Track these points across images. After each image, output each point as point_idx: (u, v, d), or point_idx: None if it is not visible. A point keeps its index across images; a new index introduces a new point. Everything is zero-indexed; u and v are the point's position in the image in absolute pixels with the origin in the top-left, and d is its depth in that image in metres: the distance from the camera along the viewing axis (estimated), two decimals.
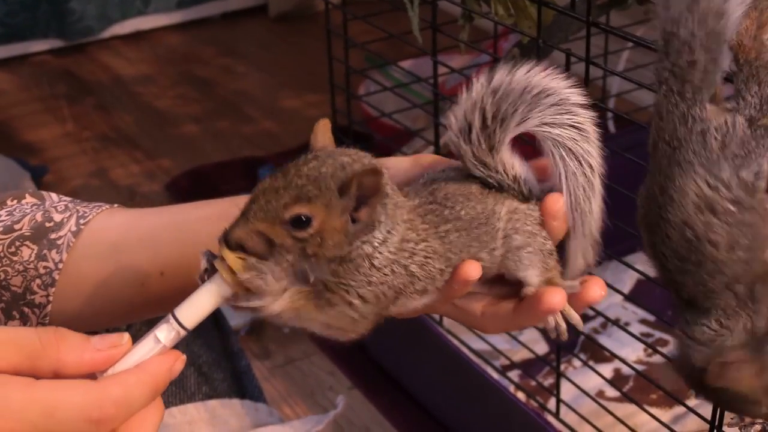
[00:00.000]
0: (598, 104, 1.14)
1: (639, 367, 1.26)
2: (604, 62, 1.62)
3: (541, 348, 1.58)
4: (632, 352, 1.54)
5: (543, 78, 0.66)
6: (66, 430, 0.54)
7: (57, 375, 0.56)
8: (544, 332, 1.57)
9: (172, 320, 0.61)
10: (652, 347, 1.22)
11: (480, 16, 1.22)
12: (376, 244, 0.62)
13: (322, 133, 0.65)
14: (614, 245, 1.60)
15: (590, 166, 0.67)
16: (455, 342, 1.48)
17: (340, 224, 0.61)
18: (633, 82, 1.10)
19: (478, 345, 1.50)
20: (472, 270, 0.64)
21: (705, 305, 0.74)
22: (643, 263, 1.74)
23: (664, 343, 1.55)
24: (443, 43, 1.35)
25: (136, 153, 2.34)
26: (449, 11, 1.38)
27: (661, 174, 0.74)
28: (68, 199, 0.81)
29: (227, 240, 0.61)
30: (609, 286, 1.29)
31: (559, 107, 0.66)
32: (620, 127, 1.99)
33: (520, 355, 1.55)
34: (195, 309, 0.62)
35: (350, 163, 0.61)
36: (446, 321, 1.54)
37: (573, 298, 0.69)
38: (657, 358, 1.49)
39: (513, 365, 1.51)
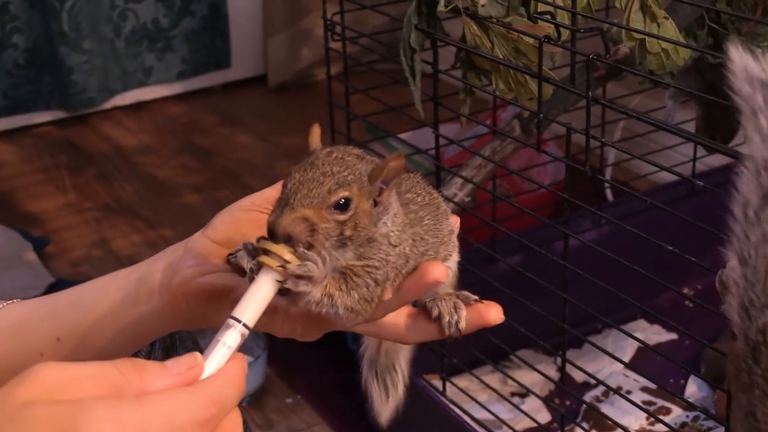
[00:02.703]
0: (597, 175, 1.17)
1: None
2: (601, 132, 1.64)
3: (544, 417, 1.58)
4: (635, 420, 1.54)
5: None
6: None
7: None
8: (546, 401, 1.57)
9: (233, 323, 0.62)
10: (654, 416, 1.22)
11: (481, 90, 1.24)
12: (389, 224, 0.67)
13: (316, 137, 0.70)
14: (614, 314, 1.62)
15: None
16: (458, 411, 1.48)
17: (368, 207, 0.66)
18: (629, 154, 1.12)
19: (481, 414, 1.50)
20: (439, 271, 0.69)
21: None
22: (642, 331, 1.76)
23: (667, 411, 1.55)
24: (444, 114, 1.38)
25: (137, 223, 2.35)
26: (449, 82, 1.41)
27: None
28: None
29: (275, 232, 0.64)
30: (610, 354, 1.31)
31: None
32: (617, 195, 2.01)
33: (523, 424, 1.55)
34: (252, 307, 0.63)
35: (363, 156, 0.67)
36: (449, 391, 1.54)
37: (471, 313, 0.73)
38: (659, 427, 1.49)
39: None
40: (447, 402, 1.51)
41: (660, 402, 1.57)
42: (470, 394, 1.52)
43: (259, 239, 0.66)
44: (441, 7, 1.17)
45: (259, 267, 0.64)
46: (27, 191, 2.51)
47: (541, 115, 1.13)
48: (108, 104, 2.90)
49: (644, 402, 1.56)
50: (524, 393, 1.60)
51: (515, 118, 1.29)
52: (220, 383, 0.58)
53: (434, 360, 1.53)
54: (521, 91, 1.14)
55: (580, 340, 1.59)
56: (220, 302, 0.72)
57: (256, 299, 0.64)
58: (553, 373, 1.59)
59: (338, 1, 1.50)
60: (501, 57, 1.15)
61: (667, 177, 1.98)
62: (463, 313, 0.73)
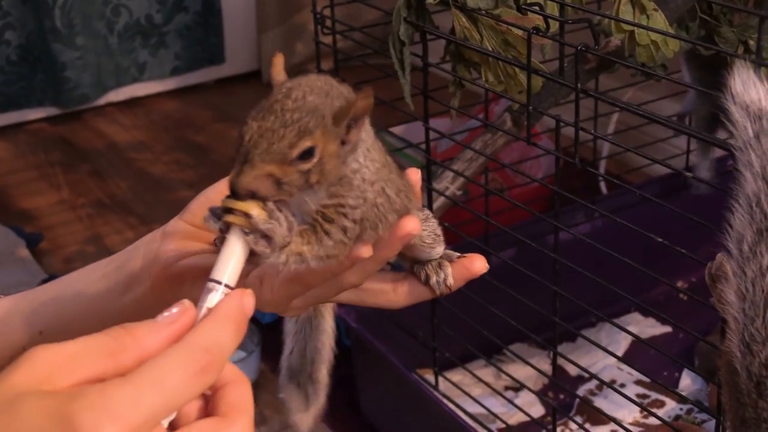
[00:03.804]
0: (587, 168, 1.16)
1: (636, 429, 1.26)
2: (594, 124, 1.63)
3: (537, 411, 1.57)
4: (629, 413, 1.53)
5: None
6: (178, 394, 0.53)
7: (143, 363, 0.55)
8: (540, 395, 1.57)
9: (213, 285, 0.61)
10: (647, 410, 1.21)
11: (471, 83, 1.24)
12: (361, 160, 0.65)
13: (279, 67, 0.66)
14: (609, 307, 1.61)
15: None
16: (451, 406, 1.47)
17: (335, 149, 0.63)
18: (622, 147, 1.11)
19: (474, 409, 1.50)
20: (412, 224, 0.69)
21: None
22: (636, 324, 1.75)
23: (661, 404, 1.54)
24: (435, 108, 1.37)
25: (130, 219, 2.34)
26: (440, 76, 1.40)
27: None
28: None
29: (236, 190, 0.62)
30: (603, 348, 1.30)
31: None
32: (611, 188, 2.00)
33: (516, 418, 1.54)
34: (228, 266, 0.62)
35: (329, 90, 0.64)
36: (442, 385, 1.54)
37: (457, 266, 0.75)
38: (654, 420, 1.49)
39: (509, 429, 1.50)
40: (440, 396, 1.51)
41: (654, 395, 1.57)
42: (463, 388, 1.51)
43: (224, 199, 0.63)
44: (430, 0, 1.16)
45: (228, 226, 0.63)
46: (20, 188, 2.50)
47: (531, 108, 1.12)
48: (101, 100, 2.89)
49: (638, 395, 1.56)
50: (518, 387, 1.59)
51: (506, 111, 1.28)
52: (207, 328, 0.56)
53: (427, 354, 1.52)
54: (511, 83, 1.13)
55: (574, 334, 1.58)
56: (204, 283, 0.70)
57: (231, 258, 0.62)
58: (547, 367, 1.59)
59: None
60: (490, 49, 1.15)
61: (662, 169, 1.97)
62: (449, 269, 0.74)
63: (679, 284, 1.79)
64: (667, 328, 1.72)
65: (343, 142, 0.64)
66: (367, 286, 0.73)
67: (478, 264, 0.74)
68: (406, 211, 0.70)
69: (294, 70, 3.28)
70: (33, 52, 2.77)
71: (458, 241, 1.54)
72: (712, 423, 1.29)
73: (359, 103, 0.62)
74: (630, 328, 1.63)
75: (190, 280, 0.72)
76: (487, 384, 1.50)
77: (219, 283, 0.61)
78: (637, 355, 1.63)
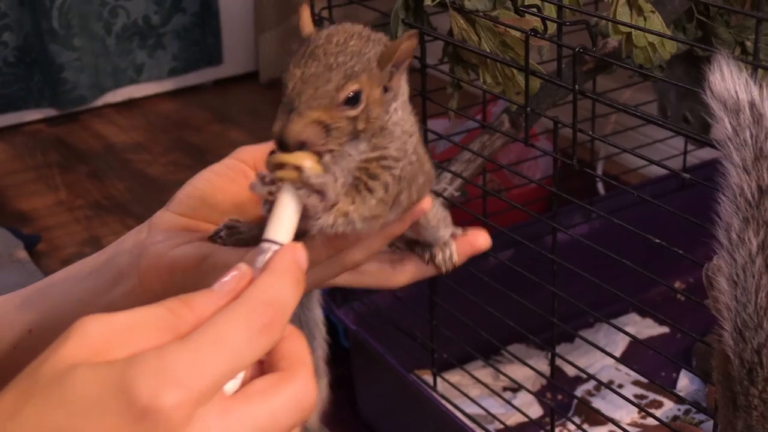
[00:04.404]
0: (585, 169, 1.16)
1: (633, 430, 1.26)
2: (591, 125, 1.64)
3: (535, 411, 1.58)
4: (627, 414, 1.54)
5: None
6: (242, 354, 0.50)
7: None
8: (538, 396, 1.57)
9: (266, 245, 0.57)
10: (645, 410, 1.22)
11: (469, 84, 1.24)
12: (400, 112, 0.63)
13: (307, 18, 0.65)
14: (606, 307, 1.62)
15: None
16: (449, 407, 1.48)
17: (379, 95, 0.61)
18: (619, 148, 1.12)
19: (473, 409, 1.50)
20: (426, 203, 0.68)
21: None
22: (634, 324, 1.75)
23: (659, 404, 1.55)
24: (432, 109, 1.37)
25: (128, 220, 2.34)
26: (438, 77, 1.40)
27: None
28: None
29: (285, 141, 0.58)
30: (600, 349, 1.30)
31: None
32: (609, 188, 2.01)
33: (515, 419, 1.55)
34: (283, 224, 0.58)
35: (369, 34, 0.62)
36: (440, 386, 1.54)
37: (461, 242, 0.74)
38: (652, 420, 1.49)
39: (507, 429, 1.50)
40: (438, 397, 1.51)
41: (652, 395, 1.57)
42: (461, 389, 1.51)
43: (270, 153, 0.60)
44: (428, 2, 1.17)
45: (276, 188, 0.59)
46: (18, 189, 2.50)
47: (529, 109, 1.12)
48: (99, 102, 2.89)
49: (636, 395, 1.56)
50: (516, 388, 1.59)
51: (504, 112, 1.29)
52: (268, 282, 0.53)
53: (425, 355, 1.53)
54: (509, 84, 1.13)
55: (572, 334, 1.58)
56: (198, 271, 0.68)
57: (284, 216, 0.58)
58: (545, 368, 1.59)
59: None
60: (488, 51, 1.15)
61: (659, 170, 1.97)
62: (453, 246, 0.73)
63: (677, 284, 1.80)
64: (665, 329, 1.72)
65: (385, 89, 0.61)
66: (365, 267, 0.71)
67: (481, 239, 0.74)
68: (431, 177, 0.68)
69: None
70: (30, 54, 2.77)
71: None
72: (710, 423, 1.29)
73: (403, 46, 0.60)
74: (628, 329, 1.63)
75: (181, 270, 0.69)
76: (485, 385, 1.50)
77: (274, 242, 0.57)
78: (635, 355, 1.63)
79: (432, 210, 0.71)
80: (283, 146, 0.59)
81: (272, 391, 0.51)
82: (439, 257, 0.73)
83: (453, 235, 0.74)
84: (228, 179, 0.74)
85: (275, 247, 0.56)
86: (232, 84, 3.05)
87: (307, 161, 0.59)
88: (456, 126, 1.95)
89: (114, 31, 2.86)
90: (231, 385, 0.51)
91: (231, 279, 0.54)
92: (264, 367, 0.53)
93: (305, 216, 0.60)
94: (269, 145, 0.73)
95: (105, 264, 0.74)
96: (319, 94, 0.58)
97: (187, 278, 0.69)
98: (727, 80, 0.69)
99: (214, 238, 0.70)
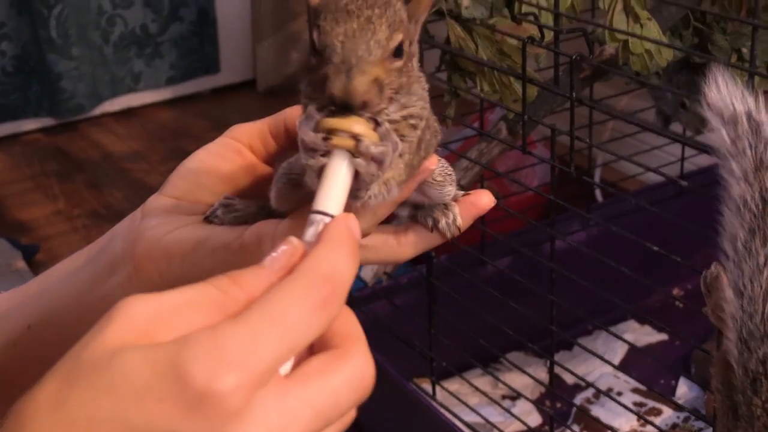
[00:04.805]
0: (584, 177, 1.16)
1: None
2: (589, 132, 1.64)
3: (535, 420, 1.57)
4: (626, 422, 1.53)
5: None
6: (302, 332, 0.47)
7: None
8: (537, 404, 1.57)
9: (316, 217, 0.53)
10: (644, 418, 1.22)
11: (466, 93, 1.24)
12: (417, 65, 0.60)
13: None
14: (605, 314, 1.62)
15: None
16: (448, 415, 1.47)
17: (408, 47, 0.58)
18: (616, 156, 1.12)
19: (472, 418, 1.50)
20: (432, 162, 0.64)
21: None
22: (633, 332, 1.75)
23: (658, 412, 1.54)
24: None
25: None
26: (435, 85, 1.40)
27: None
28: None
29: (351, 101, 0.54)
30: (599, 357, 1.30)
31: None
32: (607, 195, 2.01)
33: (513, 427, 1.54)
34: (334, 194, 0.54)
35: None
36: (439, 394, 1.54)
37: (464, 204, 0.69)
38: (651, 428, 1.49)
39: None
40: (437, 406, 1.51)
41: (651, 403, 1.57)
42: (460, 397, 1.51)
43: (322, 120, 0.56)
44: None
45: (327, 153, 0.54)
46: (16, 199, 2.50)
47: (527, 117, 1.13)
48: (97, 110, 2.89)
49: (635, 403, 1.56)
50: (515, 396, 1.59)
51: (501, 119, 1.29)
52: (324, 254, 0.49)
53: (424, 363, 1.52)
54: (506, 92, 1.13)
55: (570, 342, 1.58)
56: (195, 255, 0.65)
57: (335, 185, 0.54)
58: (544, 376, 1.59)
59: None
60: (485, 59, 1.15)
61: (657, 176, 1.97)
62: (456, 209, 0.69)
63: (676, 291, 1.79)
64: (664, 336, 1.72)
65: (410, 42, 0.58)
66: (367, 241, 0.67)
67: (485, 199, 0.69)
68: (437, 132, 0.64)
69: (290, 79, 3.29)
70: (28, 63, 2.77)
71: (454, 249, 1.54)
72: (709, 431, 1.29)
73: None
74: (626, 336, 1.63)
75: (179, 255, 0.66)
76: (484, 393, 1.50)
77: (324, 214, 0.53)
78: (634, 363, 1.63)
79: (438, 166, 0.67)
80: (346, 107, 0.55)
81: (330, 371, 0.48)
82: (443, 222, 0.68)
83: (455, 198, 0.69)
84: (222, 158, 0.71)
85: (326, 219, 0.53)
86: (230, 92, 3.05)
87: (360, 126, 0.55)
88: (453, 133, 1.95)
89: (112, 40, 2.87)
90: (284, 366, 0.48)
91: (282, 254, 0.50)
92: (315, 344, 0.49)
93: (355, 186, 0.56)
94: (263, 123, 0.72)
95: (99, 254, 0.71)
96: (372, 47, 0.55)
97: (185, 263, 0.66)
98: (723, 92, 0.69)
99: (210, 218, 0.67)
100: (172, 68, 2.97)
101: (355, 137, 0.55)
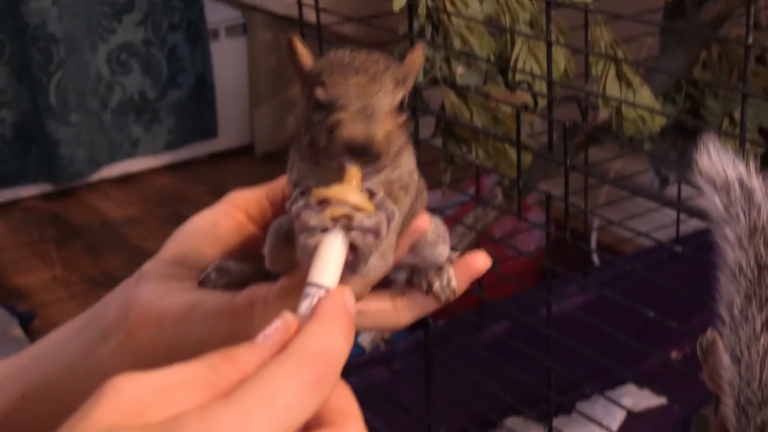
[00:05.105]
0: (579, 243, 1.17)
1: None
2: (584, 196, 1.64)
3: None
4: None
5: None
6: (294, 412, 0.45)
7: None
8: None
9: (311, 290, 0.52)
10: None
11: (461, 160, 1.25)
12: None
13: (305, 51, 0.59)
14: (604, 377, 1.61)
15: None
16: None
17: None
18: (610, 221, 1.12)
19: None
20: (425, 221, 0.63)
21: None
22: (631, 395, 1.74)
23: None
24: (426, 182, 1.38)
25: None
26: (430, 151, 1.41)
27: None
28: None
29: (373, 148, 0.53)
30: (598, 424, 1.30)
31: None
32: (604, 258, 2.01)
33: None
34: (329, 266, 0.53)
35: (377, 51, 0.58)
36: None
37: (458, 266, 0.67)
38: None
39: None
40: None
41: None
42: None
43: (315, 191, 0.54)
44: (420, 78, 1.18)
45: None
46: (13, 266, 2.50)
47: (522, 183, 1.13)
48: (95, 176, 2.90)
49: None
50: None
51: (497, 184, 1.29)
52: (318, 331, 0.48)
53: (422, 429, 1.51)
54: (501, 159, 1.14)
55: (569, 407, 1.57)
56: (188, 321, 0.64)
57: (330, 257, 0.53)
58: None
59: None
60: (480, 126, 1.16)
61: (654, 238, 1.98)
62: (451, 272, 0.67)
63: (674, 354, 1.79)
64: (663, 399, 1.71)
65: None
66: (363, 307, 0.66)
67: (480, 260, 0.67)
68: (423, 189, 0.63)
69: (287, 143, 3.32)
70: (27, 130, 2.79)
71: (451, 314, 1.54)
72: None
73: (418, 58, 0.58)
74: (625, 400, 1.62)
75: (171, 321, 0.65)
76: None
77: (319, 286, 0.52)
78: (634, 427, 1.61)
79: (430, 225, 0.65)
80: (363, 155, 0.54)
81: None
82: (437, 285, 0.66)
83: (449, 260, 0.68)
84: (219, 224, 0.71)
85: (321, 292, 0.52)
86: (228, 157, 3.07)
87: (355, 196, 0.54)
88: (449, 198, 1.96)
89: (110, 106, 2.89)
90: None
91: (275, 330, 0.49)
92: (309, 420, 0.48)
93: (353, 259, 0.55)
94: (261, 189, 0.72)
95: (92, 321, 0.71)
96: (384, 97, 0.54)
97: (178, 328, 0.65)
98: (714, 159, 0.70)
99: (203, 282, 0.67)
100: (170, 134, 2.99)
101: (349, 213, 0.54)
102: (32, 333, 2.17)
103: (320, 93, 0.55)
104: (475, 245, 1.48)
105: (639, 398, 1.72)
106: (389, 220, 0.55)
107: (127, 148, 2.95)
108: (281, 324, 0.50)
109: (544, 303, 1.27)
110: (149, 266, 0.70)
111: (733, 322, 0.73)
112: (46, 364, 0.72)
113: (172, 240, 0.71)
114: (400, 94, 0.55)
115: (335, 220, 0.54)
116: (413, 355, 1.52)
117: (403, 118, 0.56)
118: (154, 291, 0.67)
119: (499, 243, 1.89)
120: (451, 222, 1.43)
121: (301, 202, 0.55)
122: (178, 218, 2.62)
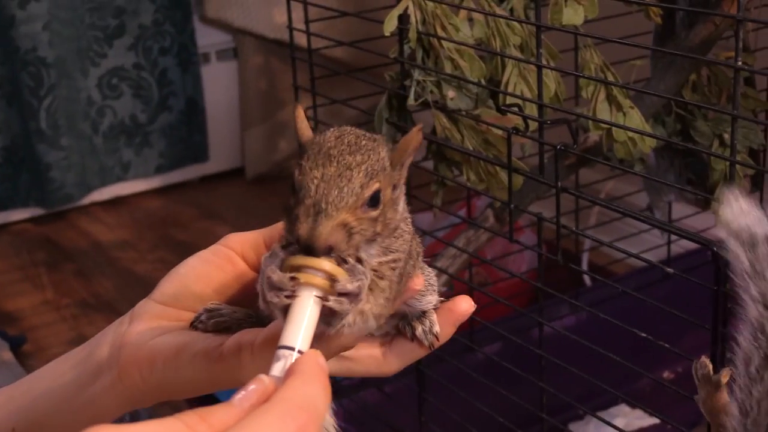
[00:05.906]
0: (570, 264, 1.17)
1: None
2: (575, 217, 1.65)
3: None
4: None
5: None
6: None
7: None
8: None
9: (284, 352, 0.54)
10: None
11: (452, 183, 1.26)
12: (402, 204, 0.61)
13: (305, 122, 0.62)
14: (596, 398, 1.61)
15: None
16: None
17: (390, 194, 0.59)
18: (601, 243, 1.13)
19: None
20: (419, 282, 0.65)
21: None
22: (624, 416, 1.74)
23: None
24: (417, 205, 1.38)
25: (115, 318, 2.31)
26: (421, 173, 1.42)
27: None
28: None
29: (314, 245, 0.55)
30: None
31: None
32: (596, 279, 2.01)
33: None
34: (301, 329, 0.55)
35: (371, 135, 0.60)
36: None
37: (441, 311, 0.69)
38: None
39: None
40: None
41: None
42: None
43: (291, 258, 0.57)
44: (411, 101, 1.19)
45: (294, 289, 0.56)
46: (4, 290, 2.49)
47: (513, 205, 1.14)
48: (86, 200, 2.90)
49: None
50: None
51: (488, 207, 1.30)
52: (299, 385, 0.49)
53: None
54: (492, 181, 1.15)
55: (562, 428, 1.57)
56: (177, 361, 0.66)
57: (303, 321, 0.55)
58: None
59: (311, 96, 1.51)
60: (471, 148, 1.16)
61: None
62: (433, 317, 0.68)
63: (666, 374, 1.79)
64: (656, 420, 1.71)
65: (393, 187, 0.60)
66: (354, 354, 0.68)
67: (463, 305, 0.69)
68: (419, 252, 0.66)
69: (278, 167, 3.30)
70: (18, 154, 2.79)
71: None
72: None
73: (413, 141, 0.59)
74: (618, 420, 1.62)
75: (162, 361, 0.67)
76: None
77: (292, 349, 0.54)
78: None
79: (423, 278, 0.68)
80: (310, 250, 0.56)
81: None
82: (419, 330, 0.68)
83: (436, 307, 0.69)
84: (214, 267, 0.72)
85: (294, 354, 0.54)
86: (219, 180, 3.07)
87: (328, 264, 0.56)
88: (440, 220, 1.96)
89: (101, 130, 2.89)
90: None
91: (251, 392, 0.50)
92: None
93: (327, 319, 0.58)
94: (258, 233, 0.73)
95: (85, 358, 0.72)
96: (344, 194, 0.56)
97: (167, 369, 0.67)
98: (739, 214, 0.69)
99: (194, 324, 0.68)
100: (161, 157, 2.99)
101: (329, 277, 0.56)
102: (23, 357, 2.16)
103: (296, 175, 0.58)
104: (467, 267, 1.49)
105: (632, 418, 1.72)
106: (365, 283, 0.57)
107: (118, 171, 2.94)
108: (258, 386, 0.51)
109: (536, 324, 1.27)
110: (142, 306, 0.71)
111: (749, 377, 0.73)
112: (37, 398, 0.73)
113: (167, 280, 0.72)
114: (373, 186, 0.57)
115: (308, 284, 0.56)
116: (406, 377, 1.52)
117: (374, 212, 0.57)
118: (146, 331, 0.69)
119: (490, 265, 1.90)
120: (442, 244, 1.44)
121: (275, 267, 0.57)
122: (169, 241, 2.62)
